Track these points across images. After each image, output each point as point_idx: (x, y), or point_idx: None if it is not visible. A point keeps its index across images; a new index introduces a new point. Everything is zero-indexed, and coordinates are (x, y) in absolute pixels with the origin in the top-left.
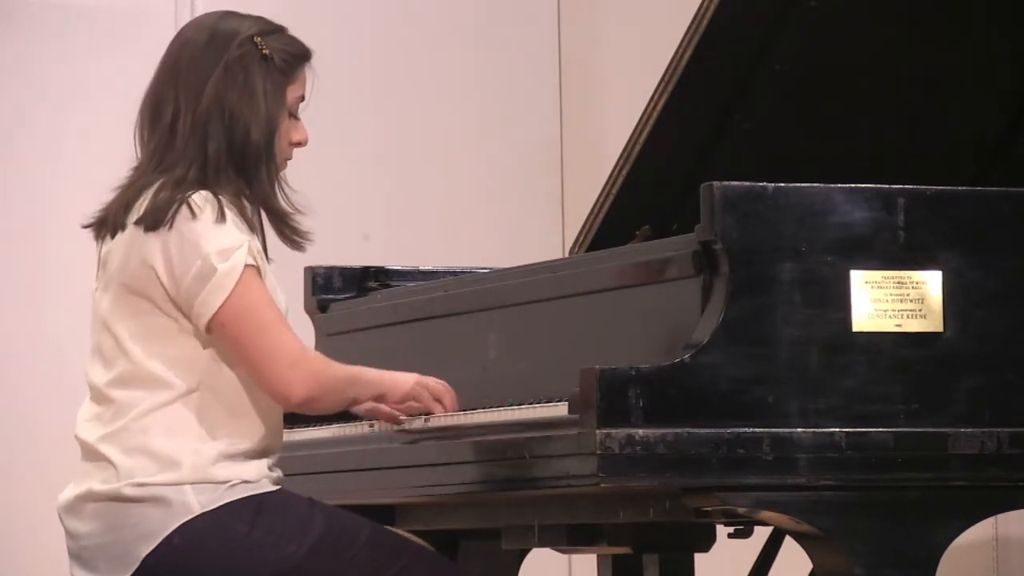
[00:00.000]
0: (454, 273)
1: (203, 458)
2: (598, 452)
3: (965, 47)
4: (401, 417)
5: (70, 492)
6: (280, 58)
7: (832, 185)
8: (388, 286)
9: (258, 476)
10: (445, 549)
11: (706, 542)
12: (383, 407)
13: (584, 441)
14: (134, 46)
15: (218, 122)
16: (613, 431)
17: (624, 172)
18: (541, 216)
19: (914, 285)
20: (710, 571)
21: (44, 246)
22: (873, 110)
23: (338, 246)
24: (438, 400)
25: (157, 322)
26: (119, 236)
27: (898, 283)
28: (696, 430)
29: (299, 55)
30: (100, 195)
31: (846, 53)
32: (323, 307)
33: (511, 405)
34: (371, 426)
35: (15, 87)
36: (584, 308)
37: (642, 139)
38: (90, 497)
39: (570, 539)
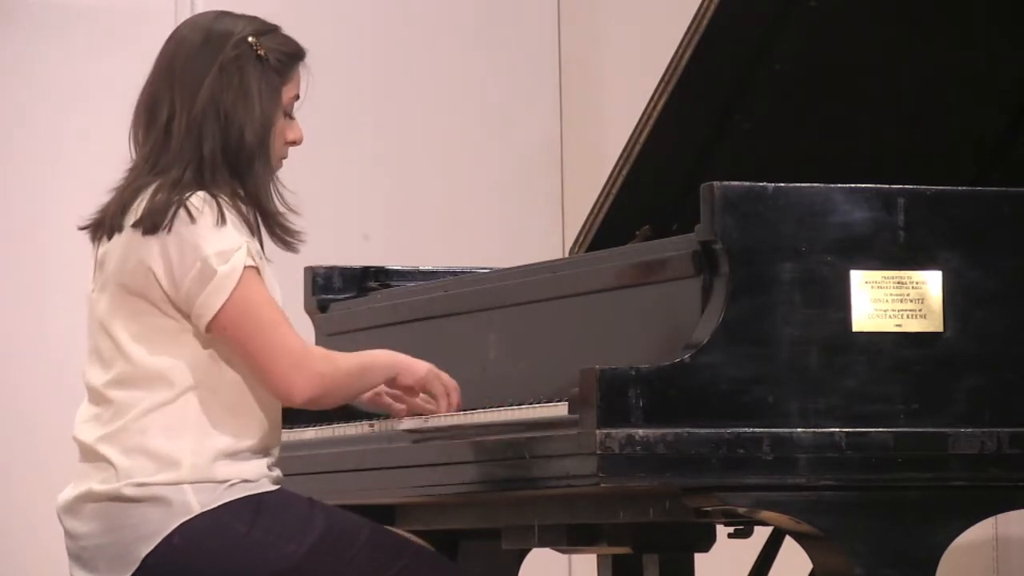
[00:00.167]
0: (454, 273)
1: (202, 458)
2: (598, 452)
3: (965, 47)
4: (403, 413)
5: (69, 493)
6: (275, 58)
7: (832, 185)
8: (388, 286)
9: (258, 475)
10: (445, 549)
11: (706, 542)
12: (386, 399)
13: (584, 441)
14: (134, 46)
15: (213, 123)
16: (613, 431)
17: (624, 172)
18: (541, 216)
19: (914, 285)
20: (710, 571)
21: (44, 246)
22: (873, 110)
23: (338, 246)
24: (447, 395)
25: (156, 322)
26: (116, 238)
27: (898, 283)
28: (696, 430)
29: (294, 55)
30: (100, 195)
31: (846, 53)
32: (323, 307)
33: (511, 405)
34: (371, 426)
35: (15, 87)
36: (584, 308)
37: (642, 139)
38: (89, 497)
39: (570, 539)
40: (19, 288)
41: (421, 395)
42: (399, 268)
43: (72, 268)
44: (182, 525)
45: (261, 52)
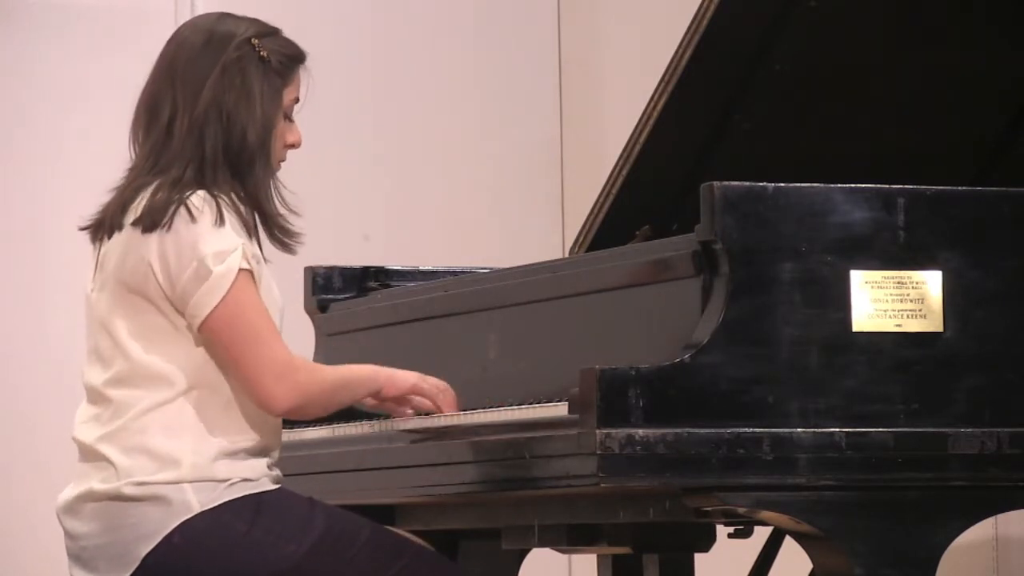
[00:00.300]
0: (454, 273)
1: (202, 457)
2: (598, 452)
3: (965, 47)
4: (404, 411)
5: (69, 493)
6: (277, 60)
7: (832, 185)
8: (388, 286)
9: (258, 475)
10: (445, 549)
11: (706, 542)
12: (386, 405)
13: (584, 441)
14: (134, 46)
15: (215, 123)
16: (613, 431)
17: (624, 172)
18: (541, 216)
19: (914, 285)
20: (710, 571)
21: (44, 246)
22: (873, 110)
23: (338, 246)
24: (440, 393)
25: (154, 321)
26: (116, 236)
27: (898, 283)
28: (696, 430)
29: (295, 57)
30: (100, 195)
31: (846, 53)
32: (323, 307)
33: (511, 405)
34: (371, 426)
35: (15, 87)
36: (584, 308)
37: (642, 139)
38: (90, 497)
39: (570, 539)
40: (19, 288)
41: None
42: (399, 268)
43: (72, 268)
44: (182, 524)
45: (263, 54)
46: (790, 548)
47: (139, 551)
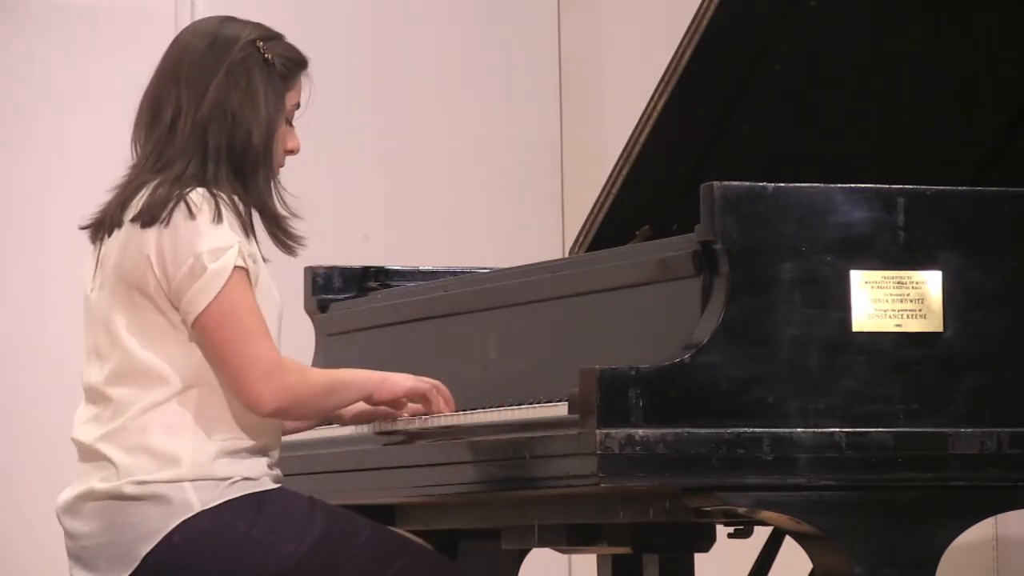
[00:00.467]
0: (454, 273)
1: (203, 455)
2: (598, 452)
3: (965, 47)
4: (400, 413)
5: (69, 493)
6: (281, 63)
7: (832, 185)
8: (388, 286)
9: (259, 474)
10: (445, 549)
11: (706, 542)
12: (381, 408)
13: (584, 441)
14: (134, 46)
15: (219, 124)
16: (613, 431)
17: (624, 172)
18: (541, 216)
19: (914, 285)
20: (710, 571)
21: (44, 246)
22: (873, 110)
23: (338, 246)
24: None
25: (153, 319)
26: (116, 234)
27: (898, 283)
28: (696, 430)
29: (298, 62)
30: (100, 195)
31: (846, 53)
32: (323, 307)
33: (511, 405)
34: (371, 426)
35: (15, 87)
36: (584, 308)
37: (642, 139)
38: (90, 496)
39: (570, 539)
40: (19, 288)
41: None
42: (399, 268)
43: (72, 268)
44: (182, 524)
45: (268, 56)
46: (790, 548)
47: (139, 550)
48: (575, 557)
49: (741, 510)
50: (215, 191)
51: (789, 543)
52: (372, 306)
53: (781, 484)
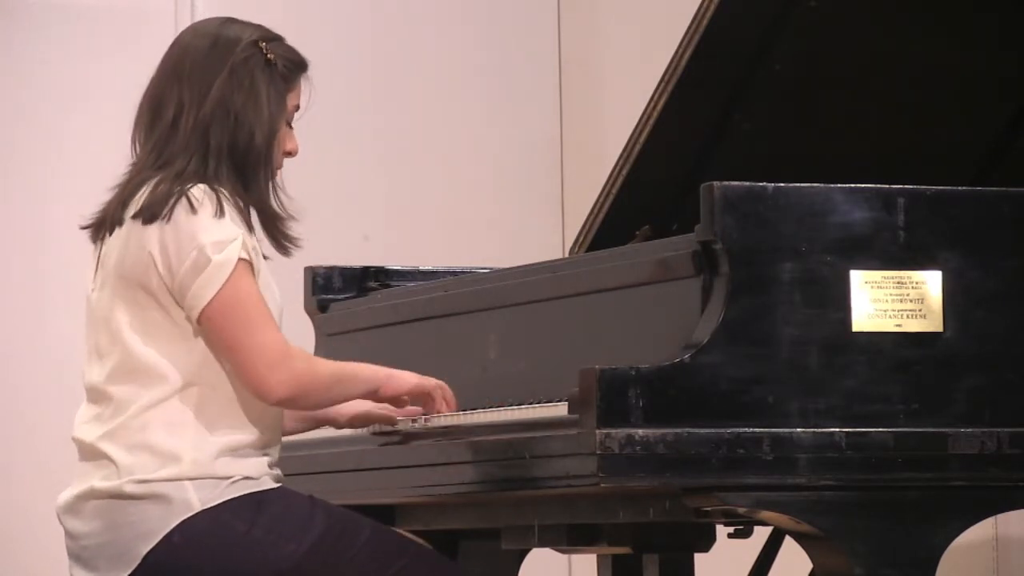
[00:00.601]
0: (454, 273)
1: (204, 453)
2: (598, 452)
3: (965, 47)
4: (397, 416)
5: (69, 493)
6: (283, 64)
7: (832, 185)
8: (388, 286)
9: (259, 473)
10: (445, 549)
11: (706, 542)
12: (374, 411)
13: (584, 441)
14: (134, 46)
15: (222, 123)
16: (613, 431)
17: (624, 172)
18: (541, 216)
19: (914, 285)
20: (710, 571)
21: (44, 246)
22: (873, 110)
23: (338, 246)
24: (440, 390)
25: (155, 316)
26: (117, 232)
27: (898, 283)
28: (696, 430)
29: (299, 63)
30: (100, 195)
31: (846, 53)
32: (323, 307)
33: (511, 405)
34: (371, 426)
35: (15, 87)
36: (584, 308)
37: (642, 139)
38: (91, 495)
39: (570, 539)
40: (19, 288)
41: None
42: (399, 268)
43: (72, 268)
44: (182, 523)
45: (270, 56)
46: (790, 548)
47: (139, 550)
48: (575, 557)
49: (741, 510)
50: (216, 187)
51: (789, 543)
52: (372, 306)
53: (781, 484)
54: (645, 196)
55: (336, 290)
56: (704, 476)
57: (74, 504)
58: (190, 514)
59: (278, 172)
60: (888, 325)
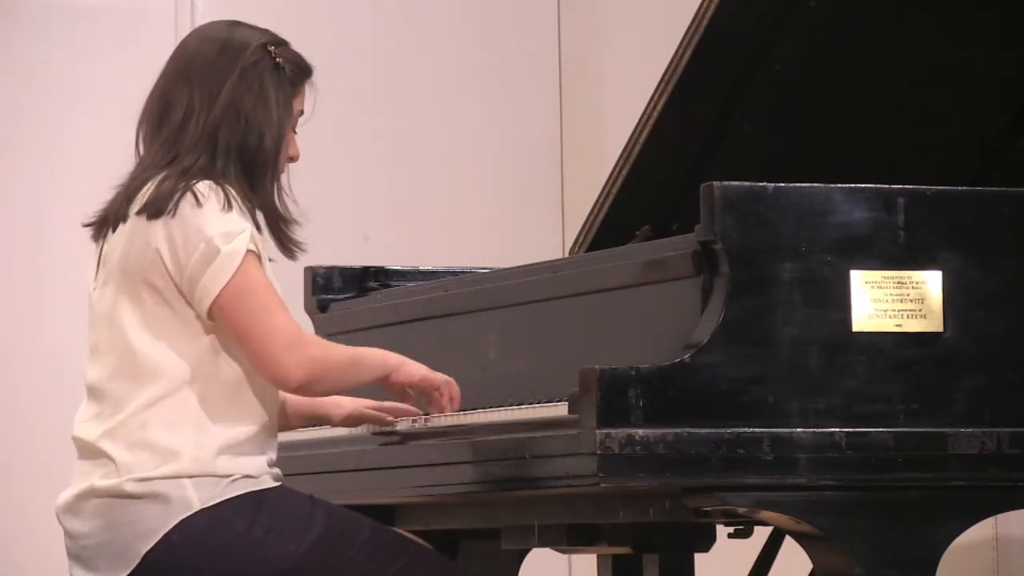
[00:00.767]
0: (454, 273)
1: (203, 451)
2: (598, 452)
3: (965, 47)
4: (389, 419)
5: (69, 492)
6: (290, 69)
7: (832, 185)
8: (388, 286)
9: (259, 472)
10: (445, 549)
11: (706, 542)
12: (367, 412)
13: (584, 441)
14: (134, 46)
15: (232, 125)
16: (613, 431)
17: (624, 172)
18: (541, 216)
19: (914, 285)
20: (710, 571)
21: (44, 246)
22: (873, 110)
23: (338, 246)
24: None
25: (159, 312)
26: (120, 228)
27: (898, 283)
28: (696, 430)
29: (305, 68)
30: (100, 194)
31: (846, 53)
32: (323, 307)
33: (511, 405)
34: (371, 426)
35: (15, 87)
36: (584, 308)
37: (642, 139)
38: (91, 494)
39: (570, 539)
40: (19, 288)
41: (413, 401)
42: (399, 268)
43: (72, 268)
44: (181, 522)
45: (279, 60)
46: (790, 548)
47: (139, 549)
48: (575, 557)
49: (741, 510)
50: (222, 183)
51: (789, 543)
52: (372, 306)
53: (781, 484)
54: (645, 196)
55: (336, 290)
56: (704, 476)
57: (74, 504)
58: (189, 513)
59: (281, 176)
60: (888, 325)
